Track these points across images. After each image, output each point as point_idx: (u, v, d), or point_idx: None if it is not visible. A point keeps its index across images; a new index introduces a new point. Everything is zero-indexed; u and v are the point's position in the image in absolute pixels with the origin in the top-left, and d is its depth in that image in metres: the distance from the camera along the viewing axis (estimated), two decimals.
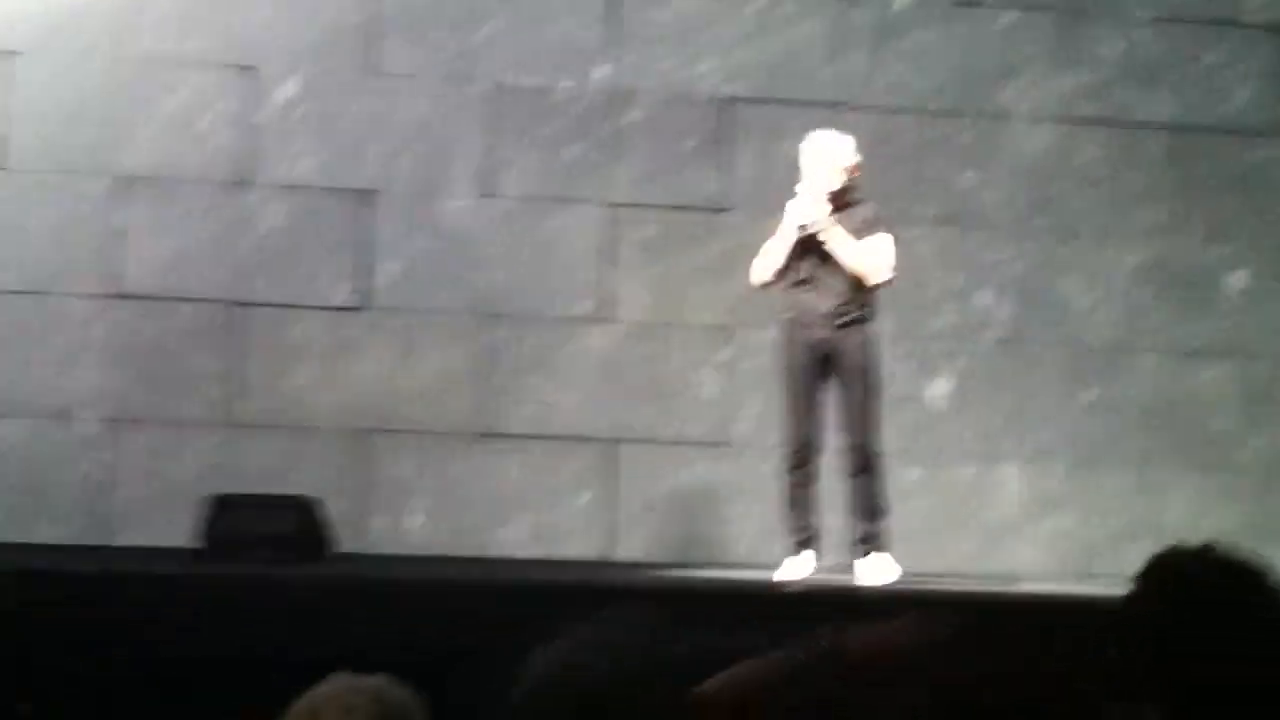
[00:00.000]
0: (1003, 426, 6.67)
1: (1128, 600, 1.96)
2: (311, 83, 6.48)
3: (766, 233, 5.43)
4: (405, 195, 6.54)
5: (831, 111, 6.20)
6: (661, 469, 6.51)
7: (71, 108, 6.30)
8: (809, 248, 5.33)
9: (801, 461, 5.35)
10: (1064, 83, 6.89)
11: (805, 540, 5.39)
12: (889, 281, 5.38)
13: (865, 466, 5.37)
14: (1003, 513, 6.60)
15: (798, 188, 5.35)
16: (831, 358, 5.36)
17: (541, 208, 6.60)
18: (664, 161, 6.66)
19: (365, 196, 6.50)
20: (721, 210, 6.63)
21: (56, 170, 6.29)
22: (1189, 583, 1.94)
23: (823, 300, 5.34)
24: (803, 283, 5.35)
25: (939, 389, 6.66)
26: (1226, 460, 6.69)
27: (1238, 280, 6.89)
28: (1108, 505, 6.56)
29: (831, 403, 5.41)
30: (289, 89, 6.47)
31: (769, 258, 5.36)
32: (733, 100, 6.70)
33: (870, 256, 5.34)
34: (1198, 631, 1.88)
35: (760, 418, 6.27)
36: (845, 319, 5.35)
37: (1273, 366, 6.86)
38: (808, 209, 5.29)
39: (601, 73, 6.63)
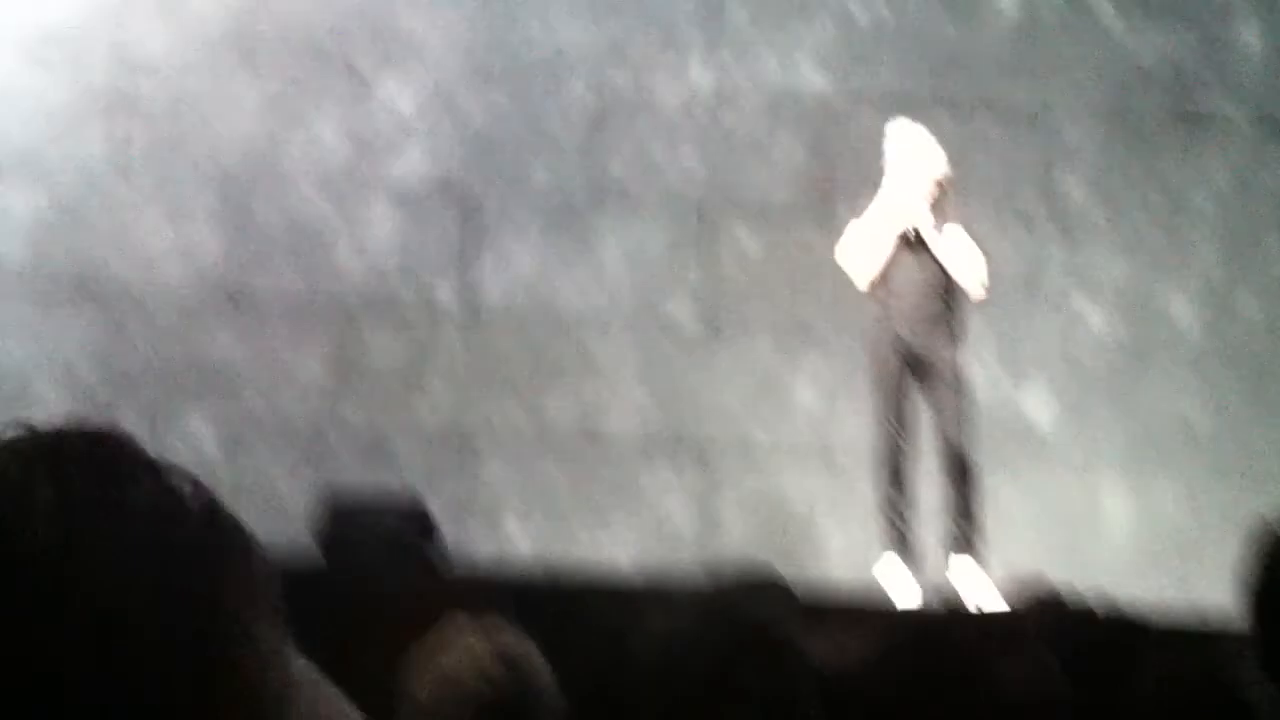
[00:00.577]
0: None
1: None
2: None
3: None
4: None
5: None
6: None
7: None
8: (903, 248, 5.37)
9: (896, 462, 5.40)
10: None
11: (901, 537, 5.44)
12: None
13: (960, 468, 5.40)
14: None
15: (891, 183, 5.37)
16: (922, 360, 5.38)
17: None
18: None
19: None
20: None
21: None
22: None
23: (914, 301, 5.37)
24: (891, 284, 5.39)
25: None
26: None
27: None
28: None
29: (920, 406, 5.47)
30: None
31: (869, 258, 5.38)
32: None
33: (976, 271, 5.37)
34: None
35: (855, 424, 6.36)
36: (937, 320, 5.38)
37: None
38: (914, 210, 5.31)
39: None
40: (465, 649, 2.07)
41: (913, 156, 5.40)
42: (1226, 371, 6.78)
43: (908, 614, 4.89)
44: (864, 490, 6.09)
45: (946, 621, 2.05)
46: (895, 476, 5.40)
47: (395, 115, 6.71)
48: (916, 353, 5.37)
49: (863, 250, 5.40)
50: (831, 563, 6.25)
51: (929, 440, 5.49)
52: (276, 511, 6.25)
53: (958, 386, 5.42)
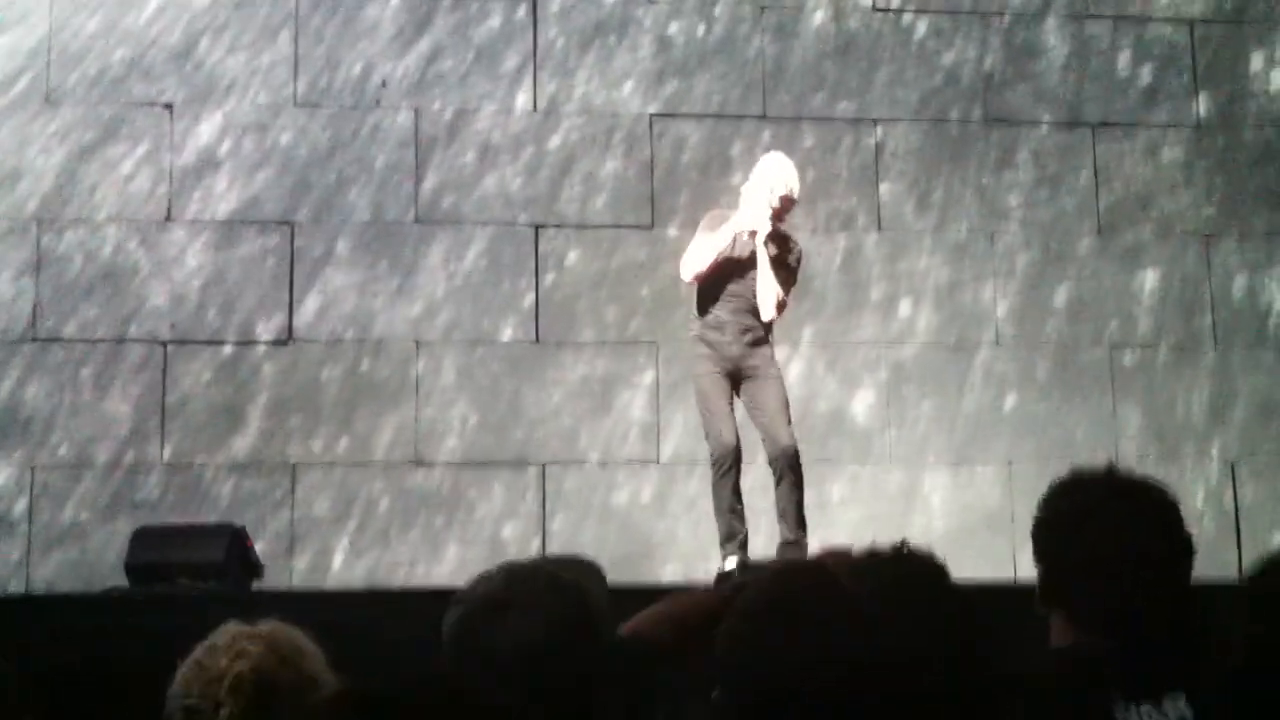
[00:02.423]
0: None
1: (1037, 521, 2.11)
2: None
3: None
4: None
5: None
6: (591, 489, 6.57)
7: None
8: (731, 262, 5.42)
9: (733, 466, 5.40)
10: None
11: (743, 542, 5.44)
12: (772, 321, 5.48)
13: (792, 470, 5.44)
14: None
15: (748, 199, 5.45)
16: (741, 371, 5.43)
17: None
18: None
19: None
20: None
21: None
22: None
23: (734, 315, 5.43)
24: (716, 296, 5.43)
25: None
26: None
27: None
28: None
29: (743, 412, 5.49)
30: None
31: (702, 254, 5.42)
32: None
33: (778, 293, 5.44)
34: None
35: (684, 434, 6.41)
36: (758, 334, 5.44)
37: None
38: (762, 219, 5.39)
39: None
40: (223, 634, 1.98)
41: (778, 177, 5.47)
42: (1037, 359, 6.98)
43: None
44: (696, 498, 6.11)
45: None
46: (731, 477, 5.41)
47: (204, 149, 6.59)
48: (736, 361, 5.41)
49: (699, 246, 5.44)
50: (666, 570, 6.25)
51: (761, 442, 5.50)
52: (89, 558, 6.07)
53: (780, 390, 5.46)
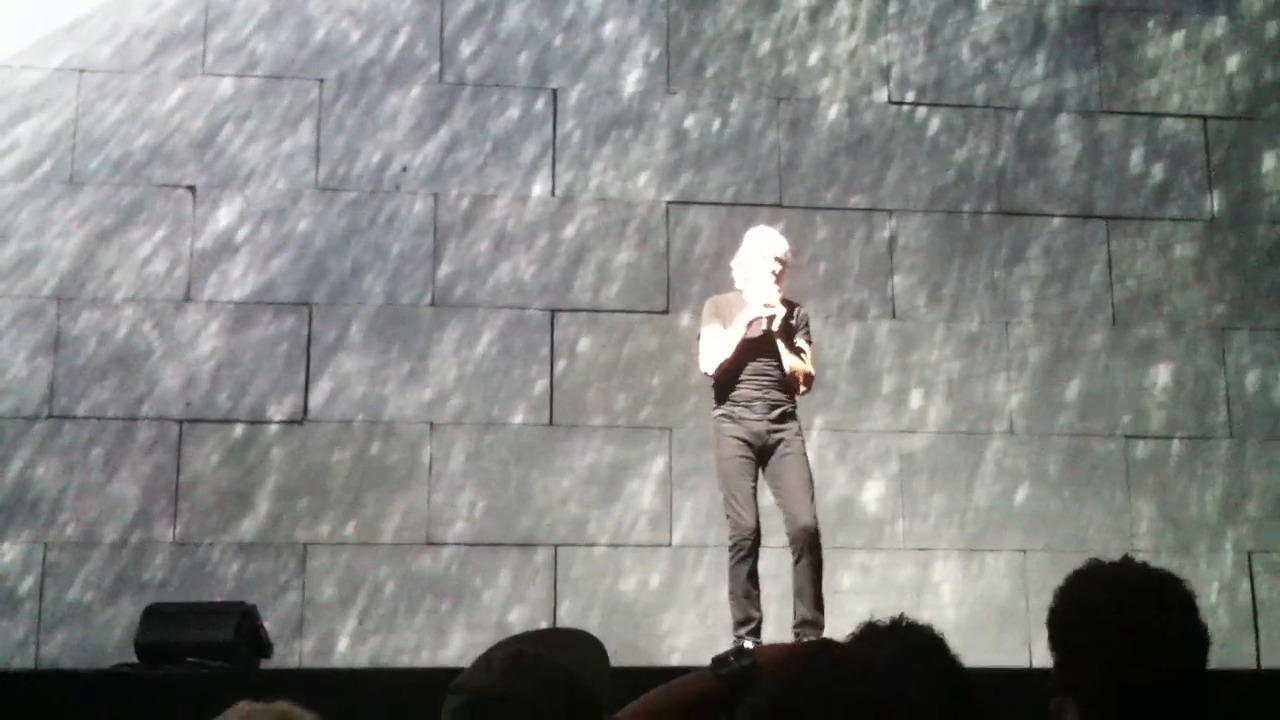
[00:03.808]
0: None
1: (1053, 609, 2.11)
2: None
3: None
4: None
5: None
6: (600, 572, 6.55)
7: None
8: (749, 343, 5.43)
9: (752, 550, 5.37)
10: None
11: (756, 629, 5.40)
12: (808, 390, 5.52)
13: (812, 550, 5.42)
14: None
15: (743, 274, 5.49)
16: (769, 447, 5.43)
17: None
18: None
19: None
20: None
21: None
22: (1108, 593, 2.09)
23: (761, 391, 5.44)
24: (740, 375, 5.44)
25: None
26: None
27: None
28: None
29: (766, 492, 5.49)
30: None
31: (720, 345, 5.44)
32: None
33: (803, 370, 5.47)
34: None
35: (693, 520, 6.40)
36: (785, 408, 5.45)
37: None
38: (774, 298, 5.42)
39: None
40: (236, 713, 1.97)
41: (770, 251, 5.52)
42: (1049, 451, 6.96)
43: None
44: (704, 586, 6.08)
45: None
46: (750, 561, 5.38)
47: (223, 233, 6.65)
48: (762, 440, 5.41)
49: (714, 339, 5.47)
50: (676, 656, 6.20)
51: (785, 521, 5.48)
52: (94, 638, 6.05)
53: (806, 468, 5.45)
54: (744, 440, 5.41)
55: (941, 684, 1.98)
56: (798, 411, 5.51)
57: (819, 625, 5.33)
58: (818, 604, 5.36)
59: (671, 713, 2.14)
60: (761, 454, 5.43)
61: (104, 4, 6.86)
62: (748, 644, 5.34)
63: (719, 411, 5.50)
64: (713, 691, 2.10)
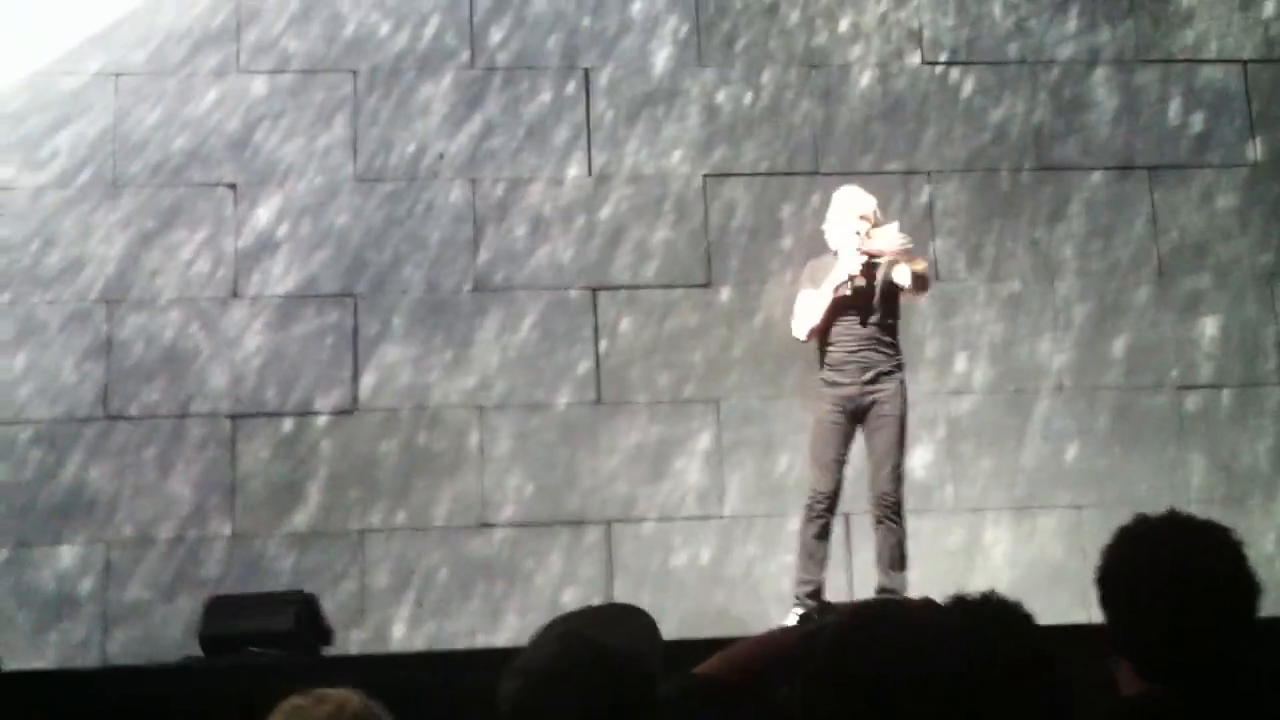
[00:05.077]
0: None
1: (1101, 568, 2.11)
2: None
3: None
4: None
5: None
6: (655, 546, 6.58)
7: None
8: (841, 303, 5.47)
9: (824, 513, 5.42)
10: None
11: (815, 592, 5.43)
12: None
13: (894, 515, 5.43)
14: None
15: (834, 235, 5.54)
16: (864, 409, 5.46)
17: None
18: None
19: None
20: None
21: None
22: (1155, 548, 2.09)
23: (852, 354, 5.46)
24: (835, 338, 5.49)
25: None
26: None
27: None
28: None
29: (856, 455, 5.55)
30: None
31: (810, 311, 5.50)
32: None
33: (914, 272, 5.51)
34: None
35: (742, 494, 6.43)
36: (881, 369, 5.47)
37: None
38: (853, 262, 5.45)
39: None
40: (299, 696, 2.02)
41: (848, 207, 5.57)
42: (1098, 409, 6.91)
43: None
44: (754, 559, 6.10)
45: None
46: (823, 524, 5.43)
47: (262, 231, 6.71)
48: (858, 402, 5.44)
49: (805, 303, 5.53)
50: (730, 628, 6.21)
51: (870, 484, 5.52)
52: (154, 635, 6.14)
53: (900, 431, 5.45)
54: (838, 405, 5.45)
55: (1013, 654, 1.97)
56: (901, 368, 5.54)
57: (895, 592, 5.35)
58: (895, 567, 5.41)
59: (755, 666, 2.16)
60: (857, 416, 5.48)
61: (136, 8, 6.92)
62: (807, 605, 5.38)
63: (819, 375, 5.55)
64: (795, 648, 2.13)
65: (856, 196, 5.62)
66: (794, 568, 5.57)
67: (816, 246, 6.85)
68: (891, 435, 5.45)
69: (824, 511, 5.43)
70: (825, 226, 5.68)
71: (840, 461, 5.46)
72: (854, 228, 5.51)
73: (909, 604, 2.16)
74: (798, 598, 5.45)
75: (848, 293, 5.47)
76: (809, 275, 5.61)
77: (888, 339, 5.53)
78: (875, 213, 5.60)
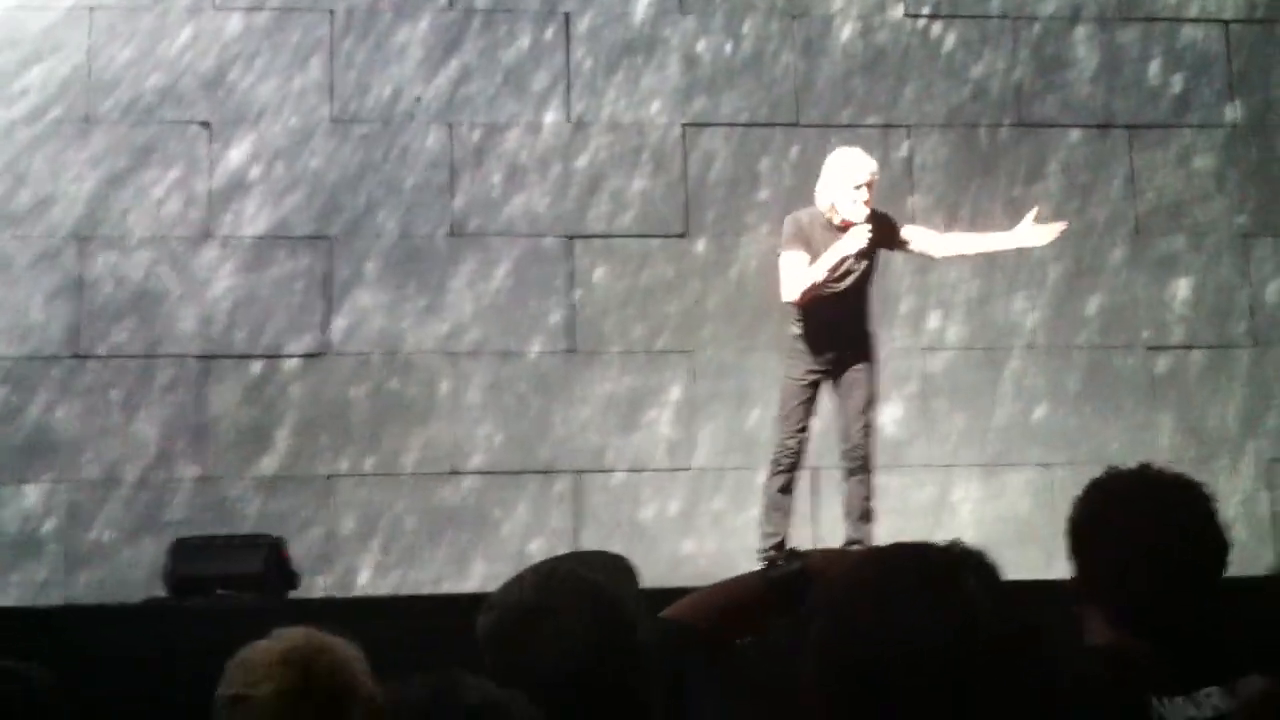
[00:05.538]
0: None
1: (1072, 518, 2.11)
2: None
3: None
4: None
5: None
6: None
7: None
8: (834, 271, 5.42)
9: (790, 468, 5.44)
10: None
11: (779, 544, 5.45)
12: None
13: (865, 467, 5.45)
14: None
15: (831, 197, 5.42)
16: (835, 368, 5.45)
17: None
18: None
19: None
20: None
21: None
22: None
23: (837, 320, 5.44)
24: (817, 305, 5.42)
25: None
26: None
27: None
28: None
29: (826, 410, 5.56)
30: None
31: (805, 279, 5.38)
32: None
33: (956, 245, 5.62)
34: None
35: (713, 447, 6.43)
36: (857, 335, 5.47)
37: None
38: (862, 236, 5.37)
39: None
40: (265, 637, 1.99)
41: (847, 172, 5.42)
42: (1069, 368, 6.94)
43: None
44: (723, 512, 6.12)
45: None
46: (789, 478, 5.47)
47: (235, 172, 6.64)
48: (833, 361, 5.44)
49: (798, 269, 5.40)
50: (696, 580, 6.23)
51: (841, 438, 5.53)
52: (116, 576, 6.11)
53: (871, 386, 5.49)
54: (812, 369, 5.44)
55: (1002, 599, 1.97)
56: (872, 328, 5.55)
57: (861, 543, 5.37)
58: (864, 519, 5.44)
59: (721, 611, 2.16)
60: (829, 374, 5.46)
61: None
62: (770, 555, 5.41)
63: (795, 332, 5.49)
64: (761, 595, 2.12)
65: (858, 161, 5.47)
66: (758, 522, 5.58)
67: (795, 199, 6.82)
68: (864, 391, 5.46)
69: (790, 467, 5.45)
70: (822, 187, 5.49)
71: (808, 418, 5.46)
72: (855, 196, 5.41)
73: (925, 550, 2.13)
74: (761, 550, 5.47)
75: (851, 269, 5.42)
76: (795, 234, 5.45)
77: (866, 307, 5.51)
78: (874, 174, 5.49)
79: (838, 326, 5.44)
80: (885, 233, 5.49)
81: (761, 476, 5.85)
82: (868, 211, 5.41)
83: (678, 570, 6.33)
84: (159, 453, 6.37)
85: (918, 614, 1.61)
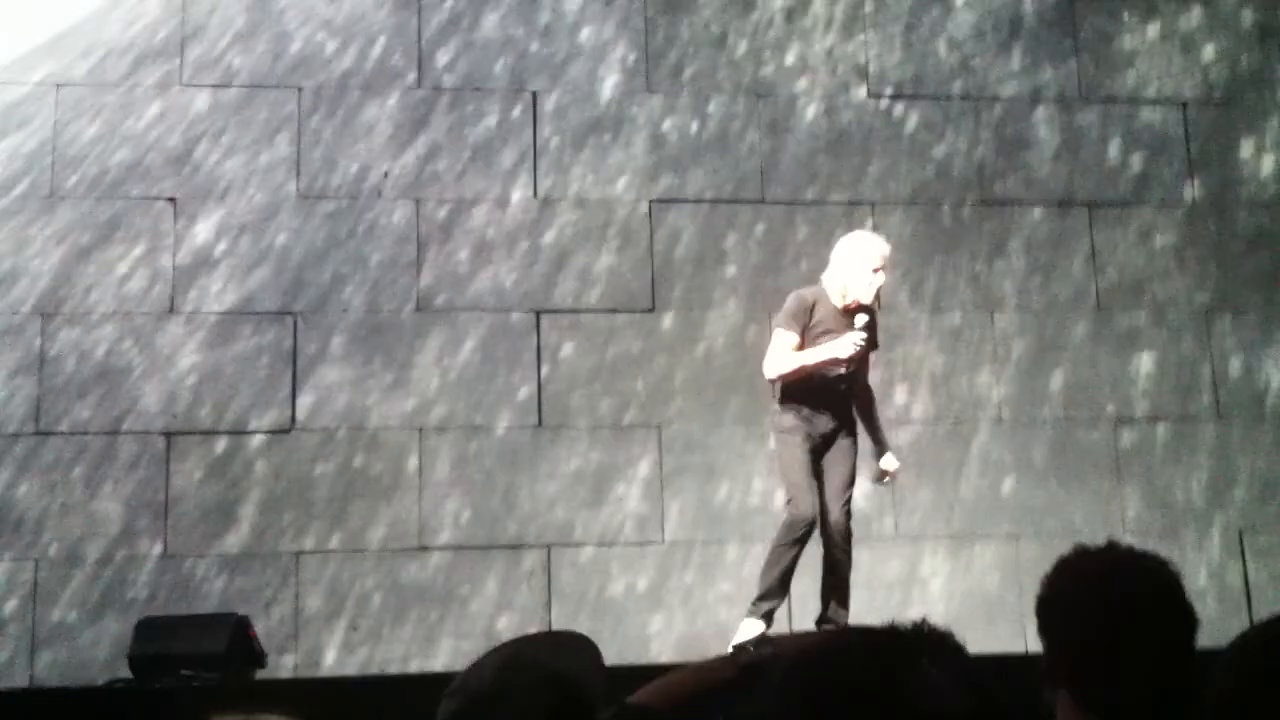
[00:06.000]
0: None
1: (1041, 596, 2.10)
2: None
3: None
4: None
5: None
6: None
7: None
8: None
9: (804, 538, 5.35)
10: None
11: (770, 613, 5.38)
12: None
13: (848, 549, 5.41)
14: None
15: (845, 280, 5.43)
16: (823, 443, 5.43)
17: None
18: None
19: None
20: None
21: None
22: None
23: (829, 401, 5.44)
24: (812, 386, 5.42)
25: None
26: None
27: None
28: None
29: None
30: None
31: (792, 365, 5.38)
32: None
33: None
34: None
35: (681, 520, 6.40)
36: (843, 416, 5.47)
37: None
38: (856, 343, 5.38)
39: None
40: None
41: (865, 257, 5.44)
42: (1035, 442, 6.97)
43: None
44: (694, 584, 6.09)
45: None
46: (800, 548, 5.36)
47: (201, 248, 6.63)
48: (827, 437, 5.42)
49: (787, 354, 5.40)
50: (665, 656, 6.19)
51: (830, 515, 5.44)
52: (80, 656, 6.02)
53: (851, 468, 5.47)
54: (809, 440, 5.40)
55: (967, 685, 1.97)
56: (856, 422, 5.56)
57: (838, 623, 5.34)
58: (843, 605, 5.40)
59: (690, 696, 2.15)
60: (818, 452, 5.43)
61: (81, 21, 6.83)
62: (757, 627, 5.35)
63: (786, 408, 5.45)
64: (731, 678, 2.11)
65: (874, 244, 5.50)
66: (757, 581, 5.45)
67: (761, 275, 6.88)
68: (849, 468, 5.45)
69: (805, 536, 5.36)
70: (835, 270, 5.50)
71: (819, 485, 5.42)
72: (872, 280, 5.45)
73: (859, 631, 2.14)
74: (754, 612, 5.40)
75: (842, 371, 5.44)
76: (796, 312, 5.45)
77: (852, 391, 5.53)
78: (885, 258, 5.51)
79: (826, 404, 5.44)
80: (872, 338, 5.52)
81: (731, 551, 5.84)
82: (873, 297, 5.42)
83: (647, 646, 6.30)
84: (122, 530, 6.30)
85: (866, 701, 1.60)
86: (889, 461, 5.64)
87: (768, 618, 5.38)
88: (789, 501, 5.40)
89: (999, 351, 7.04)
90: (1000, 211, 7.21)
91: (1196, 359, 7.16)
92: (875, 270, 5.44)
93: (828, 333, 5.44)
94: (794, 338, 5.42)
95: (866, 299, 5.46)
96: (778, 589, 5.40)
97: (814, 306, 5.47)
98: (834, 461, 5.45)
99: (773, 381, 5.48)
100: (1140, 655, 2.05)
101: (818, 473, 5.43)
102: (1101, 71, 7.46)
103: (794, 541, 5.36)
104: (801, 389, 5.43)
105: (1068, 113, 7.39)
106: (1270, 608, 6.59)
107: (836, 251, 5.56)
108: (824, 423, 5.44)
